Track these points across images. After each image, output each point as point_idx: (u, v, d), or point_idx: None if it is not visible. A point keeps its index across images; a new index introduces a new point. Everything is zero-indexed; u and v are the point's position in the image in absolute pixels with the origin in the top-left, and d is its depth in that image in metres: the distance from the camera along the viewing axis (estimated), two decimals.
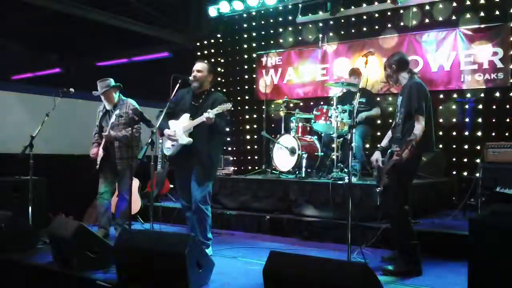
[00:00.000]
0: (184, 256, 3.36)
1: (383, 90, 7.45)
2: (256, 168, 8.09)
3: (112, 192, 5.63)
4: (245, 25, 9.34)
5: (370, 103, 6.46)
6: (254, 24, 9.23)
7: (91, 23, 8.50)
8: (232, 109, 4.50)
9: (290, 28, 8.77)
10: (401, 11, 7.66)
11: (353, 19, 8.17)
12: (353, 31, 8.18)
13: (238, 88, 9.42)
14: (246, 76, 9.37)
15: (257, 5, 8.58)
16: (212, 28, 9.60)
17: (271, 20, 9.04)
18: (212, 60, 9.43)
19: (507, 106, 6.76)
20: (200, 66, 4.72)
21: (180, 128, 4.58)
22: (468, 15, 7.12)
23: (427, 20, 7.46)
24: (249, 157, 9.17)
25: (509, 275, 2.89)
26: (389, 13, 7.79)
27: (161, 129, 4.68)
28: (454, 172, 7.07)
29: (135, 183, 6.29)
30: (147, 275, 3.56)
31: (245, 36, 9.36)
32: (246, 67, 9.38)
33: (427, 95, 4.09)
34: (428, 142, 4.07)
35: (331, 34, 8.33)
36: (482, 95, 6.97)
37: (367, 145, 6.82)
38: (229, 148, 9.35)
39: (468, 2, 7.16)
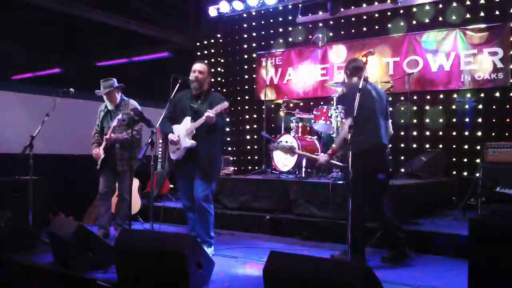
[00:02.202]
0: (184, 256, 3.35)
1: (383, 90, 7.47)
2: (256, 168, 8.09)
3: (112, 192, 5.64)
4: (245, 25, 9.34)
5: None
6: (254, 24, 9.23)
7: (91, 23, 8.49)
8: (227, 106, 4.47)
9: (290, 28, 8.76)
10: (401, 11, 7.67)
11: (353, 19, 8.17)
12: (353, 31, 8.18)
13: (238, 88, 9.42)
14: (246, 76, 9.37)
15: (257, 5, 8.58)
16: (212, 28, 9.60)
17: (271, 20, 9.04)
18: (212, 60, 9.44)
19: (507, 106, 6.77)
20: (201, 67, 4.73)
21: (183, 132, 4.62)
22: (468, 15, 7.13)
23: (427, 20, 7.46)
24: (249, 157, 9.17)
25: (509, 275, 2.89)
26: (389, 13, 7.79)
27: (165, 134, 4.72)
28: (454, 172, 7.08)
29: (135, 183, 6.29)
30: (147, 275, 3.56)
31: (245, 36, 9.36)
32: (246, 67, 9.38)
33: (354, 95, 4.10)
34: (369, 139, 4.22)
35: (331, 34, 8.33)
36: (482, 95, 6.98)
37: None
38: (229, 148, 9.35)
39: (468, 2, 7.17)
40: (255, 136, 9.03)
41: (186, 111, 4.67)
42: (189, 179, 4.71)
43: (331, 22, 8.36)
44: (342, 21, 8.27)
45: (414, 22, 7.58)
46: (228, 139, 9.29)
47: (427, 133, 7.40)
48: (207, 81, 4.77)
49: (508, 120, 6.74)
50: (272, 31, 9.03)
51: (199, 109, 4.61)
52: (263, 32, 9.12)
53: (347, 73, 4.50)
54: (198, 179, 4.63)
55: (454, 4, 7.25)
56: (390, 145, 4.54)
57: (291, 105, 7.45)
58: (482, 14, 7.04)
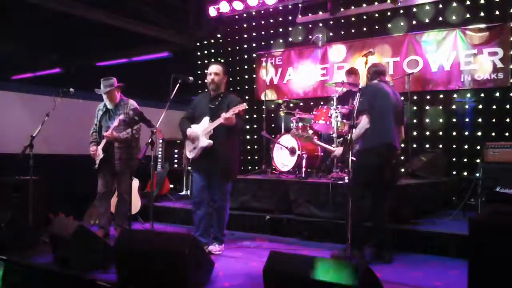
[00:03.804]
0: (184, 256, 3.36)
1: None
2: (256, 168, 8.09)
3: (112, 192, 5.64)
4: (245, 25, 9.34)
5: None
6: (254, 24, 9.22)
7: (91, 23, 8.50)
8: (246, 107, 4.64)
9: (290, 28, 8.76)
10: (401, 11, 7.67)
11: (353, 19, 8.17)
12: (353, 31, 8.18)
13: (238, 88, 9.41)
14: (246, 76, 9.37)
15: (257, 5, 8.58)
16: (212, 28, 9.60)
17: (271, 20, 9.04)
18: (212, 60, 9.42)
19: (507, 106, 6.77)
20: (216, 69, 4.84)
21: (200, 131, 4.69)
22: (468, 15, 7.13)
23: (427, 20, 7.46)
24: (249, 157, 9.16)
25: (509, 275, 2.89)
26: (389, 13, 7.79)
27: (183, 131, 4.81)
28: (454, 172, 7.08)
29: (135, 183, 6.29)
30: (147, 275, 3.56)
31: (245, 36, 9.35)
32: (246, 67, 9.38)
33: (375, 93, 4.44)
34: (378, 135, 4.33)
35: (331, 34, 8.33)
36: (482, 95, 6.98)
37: None
38: None
39: (468, 2, 7.16)
40: (255, 136, 9.03)
41: (204, 112, 4.78)
42: (205, 178, 4.80)
43: (331, 22, 8.36)
44: (342, 21, 8.27)
45: (414, 22, 7.58)
46: None
47: (427, 133, 7.40)
48: (224, 81, 4.92)
49: (508, 120, 6.74)
50: (272, 31, 9.03)
51: (216, 110, 4.72)
52: (263, 32, 9.12)
53: (368, 76, 4.65)
54: (215, 179, 4.74)
55: (454, 4, 7.25)
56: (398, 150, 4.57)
57: (291, 105, 7.45)
58: (482, 14, 7.04)
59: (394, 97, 4.54)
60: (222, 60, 9.57)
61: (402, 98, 7.22)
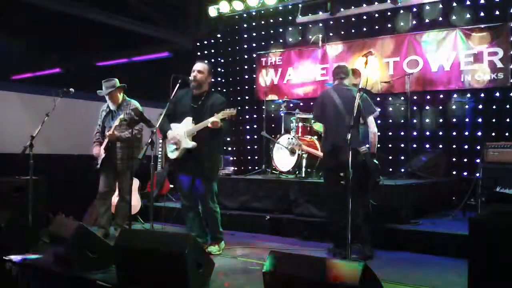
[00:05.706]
0: (184, 256, 3.35)
1: (383, 90, 7.49)
2: (256, 168, 8.09)
3: (113, 192, 5.64)
4: (245, 25, 9.34)
5: None
6: (254, 24, 9.23)
7: (91, 23, 8.50)
8: (235, 114, 4.45)
9: (290, 28, 8.77)
10: (401, 11, 7.67)
11: (353, 19, 8.17)
12: (353, 31, 8.18)
13: (238, 88, 9.42)
14: (246, 76, 9.37)
15: (257, 5, 8.58)
16: (212, 28, 9.61)
17: (271, 20, 9.04)
18: (212, 60, 9.43)
19: (507, 106, 6.76)
20: (201, 67, 4.72)
21: (183, 132, 4.61)
22: (468, 15, 7.12)
23: (427, 20, 7.47)
24: (249, 157, 9.16)
25: (509, 275, 2.89)
26: (389, 13, 7.79)
27: (164, 132, 4.72)
28: (454, 172, 7.08)
29: (135, 183, 6.29)
30: (147, 275, 3.56)
31: (245, 36, 9.36)
32: (246, 67, 9.38)
33: (321, 100, 4.78)
34: (326, 140, 4.71)
35: (331, 34, 8.33)
36: (482, 95, 6.98)
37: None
38: (229, 148, 9.35)
39: (468, 2, 7.16)
40: (255, 136, 9.03)
41: (187, 111, 4.67)
42: (189, 179, 4.74)
43: (331, 22, 8.36)
44: (342, 21, 8.28)
45: (414, 22, 7.58)
46: (228, 139, 9.28)
47: (427, 133, 7.40)
48: (207, 81, 4.76)
49: (508, 120, 6.74)
50: (272, 31, 9.03)
51: (200, 110, 4.63)
52: (263, 32, 9.12)
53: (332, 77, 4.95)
54: (200, 181, 4.68)
55: (454, 4, 7.25)
56: (367, 146, 4.49)
57: (291, 105, 7.45)
58: (482, 14, 7.04)
59: (339, 101, 4.54)
60: (222, 60, 9.60)
61: (402, 98, 7.32)
